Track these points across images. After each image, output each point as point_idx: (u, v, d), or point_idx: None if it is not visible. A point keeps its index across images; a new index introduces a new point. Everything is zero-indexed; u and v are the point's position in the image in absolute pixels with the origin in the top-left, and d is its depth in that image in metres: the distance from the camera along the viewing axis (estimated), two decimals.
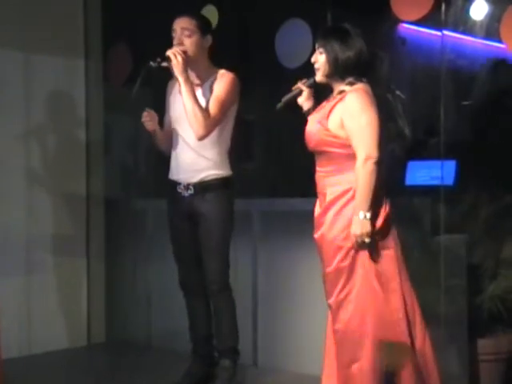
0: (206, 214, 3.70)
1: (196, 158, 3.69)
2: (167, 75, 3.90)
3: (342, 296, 3.08)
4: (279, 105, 3.30)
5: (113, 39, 5.23)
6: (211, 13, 4.52)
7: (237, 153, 3.77)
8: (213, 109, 3.61)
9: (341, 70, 3.09)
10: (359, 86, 3.06)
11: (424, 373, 3.04)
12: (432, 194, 3.83)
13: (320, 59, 3.13)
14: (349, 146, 3.02)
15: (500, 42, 3.67)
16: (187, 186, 3.73)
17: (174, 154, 3.80)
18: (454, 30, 3.92)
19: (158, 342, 4.92)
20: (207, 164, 3.70)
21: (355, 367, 3.04)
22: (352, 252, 3.02)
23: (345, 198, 3.03)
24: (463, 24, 3.92)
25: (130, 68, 5.20)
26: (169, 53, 3.54)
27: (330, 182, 3.08)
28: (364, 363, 3.01)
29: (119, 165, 5.48)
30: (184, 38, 3.64)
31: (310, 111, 3.25)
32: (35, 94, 4.92)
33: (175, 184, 3.77)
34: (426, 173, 3.94)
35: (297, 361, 4.25)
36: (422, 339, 3.05)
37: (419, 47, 4.12)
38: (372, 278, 3.01)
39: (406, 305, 3.02)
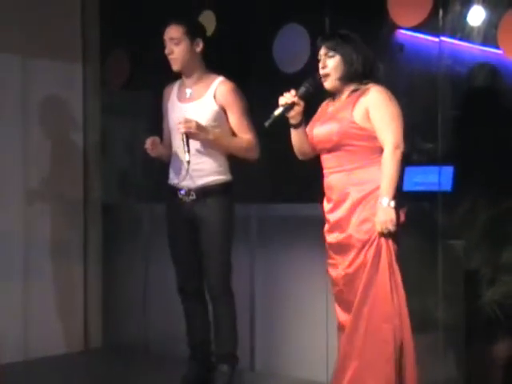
0: (207, 218, 3.70)
1: (197, 164, 3.69)
2: (163, 80, 3.92)
3: (368, 295, 3.02)
4: (269, 122, 3.13)
5: (110, 43, 5.24)
6: (209, 18, 4.53)
7: (234, 158, 3.77)
8: (245, 127, 3.69)
9: (355, 74, 3.10)
10: (374, 84, 3.10)
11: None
12: (429, 200, 3.84)
13: (330, 63, 3.13)
14: (374, 139, 3.04)
15: (497, 47, 3.68)
16: (189, 192, 3.72)
17: (173, 160, 3.80)
18: (452, 36, 3.92)
19: (155, 346, 4.91)
20: (208, 169, 3.70)
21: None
22: (374, 247, 2.99)
23: (375, 195, 3.02)
24: (461, 30, 3.93)
25: (127, 72, 5.21)
26: (182, 130, 3.55)
27: (354, 181, 3.07)
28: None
29: (116, 169, 5.48)
30: (173, 46, 3.69)
31: (300, 124, 3.20)
32: (33, 98, 4.91)
33: (175, 189, 3.77)
34: (423, 178, 3.94)
35: (294, 366, 4.25)
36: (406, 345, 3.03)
37: (417, 53, 4.12)
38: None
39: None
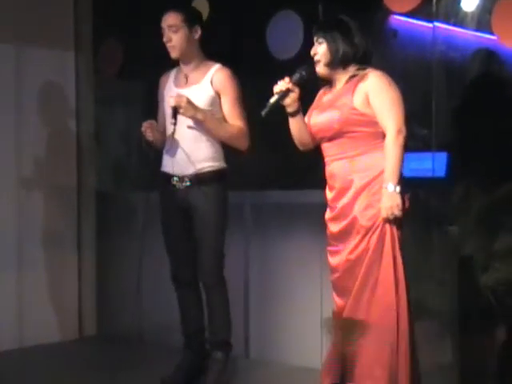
0: (201, 206, 3.69)
1: (191, 151, 3.68)
2: (156, 69, 3.91)
3: (369, 280, 3.02)
4: (265, 110, 3.10)
5: (103, 32, 5.22)
6: (202, 5, 4.51)
7: (227, 145, 3.76)
8: (237, 114, 3.68)
9: (342, 60, 3.10)
10: (373, 69, 3.09)
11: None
12: (423, 186, 3.84)
13: (320, 50, 3.14)
14: (376, 124, 3.03)
15: (491, 33, 3.67)
16: (182, 178, 3.71)
17: (167, 146, 3.79)
18: (446, 22, 3.91)
19: (150, 335, 4.91)
20: (202, 156, 3.69)
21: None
22: (378, 233, 2.99)
23: (379, 181, 3.01)
24: (455, 16, 3.92)
25: (120, 60, 5.20)
26: (172, 103, 3.56)
27: (357, 167, 3.06)
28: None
29: (110, 157, 5.47)
30: (171, 34, 3.67)
31: (297, 111, 3.19)
32: (25, 87, 4.90)
33: (169, 176, 3.76)
34: (417, 165, 3.94)
35: (288, 353, 4.26)
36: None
37: (410, 39, 4.11)
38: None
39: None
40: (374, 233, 3.01)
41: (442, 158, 3.89)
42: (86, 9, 5.23)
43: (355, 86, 3.08)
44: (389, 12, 3.95)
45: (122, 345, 4.87)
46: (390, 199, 2.96)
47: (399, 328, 3.00)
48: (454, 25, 3.93)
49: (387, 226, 3.00)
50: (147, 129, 3.72)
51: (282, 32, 4.26)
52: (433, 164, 3.86)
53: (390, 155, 2.99)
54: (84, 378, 4.15)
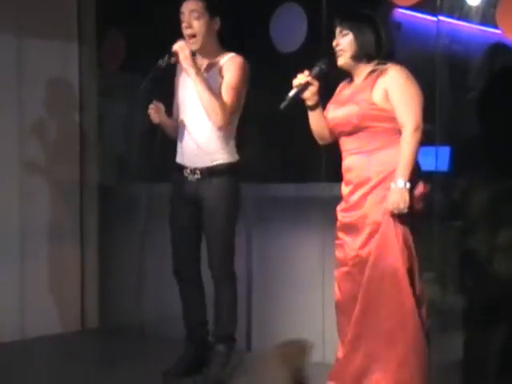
0: (211, 199, 3.66)
1: (203, 143, 3.66)
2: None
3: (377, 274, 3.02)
4: (284, 104, 3.07)
5: (107, 24, 5.21)
6: None
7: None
8: (228, 97, 3.58)
9: (367, 52, 3.10)
10: (392, 64, 3.08)
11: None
12: (426, 181, 3.83)
13: (344, 41, 3.12)
14: (394, 120, 3.03)
15: (496, 27, 3.66)
16: (194, 171, 3.69)
17: (180, 138, 3.76)
18: (450, 16, 3.90)
19: (152, 327, 4.91)
20: (214, 149, 3.67)
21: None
22: (387, 229, 2.99)
23: (393, 177, 3.00)
24: (459, 9, 3.91)
25: (123, 53, 5.19)
26: (175, 47, 3.51)
27: (375, 161, 3.06)
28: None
29: (113, 151, 5.47)
30: (192, 20, 3.59)
31: (317, 105, 3.18)
32: (29, 80, 4.89)
33: (182, 168, 3.73)
34: (420, 159, 3.93)
35: None
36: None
37: (414, 32, 4.10)
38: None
39: None
40: (385, 228, 3.00)
41: (445, 152, 3.88)
42: (90, 1, 5.21)
43: (375, 81, 3.07)
44: (393, 5, 3.94)
45: (125, 337, 4.86)
46: (398, 195, 2.95)
47: (408, 324, 3.00)
48: (458, 18, 3.91)
49: (397, 222, 2.99)
50: (152, 110, 3.70)
51: (286, 25, 4.25)
52: (436, 158, 3.85)
53: (404, 151, 2.98)
54: (86, 369, 4.16)
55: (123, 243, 5.10)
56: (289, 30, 4.21)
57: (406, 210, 2.96)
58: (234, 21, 4.43)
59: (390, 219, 2.99)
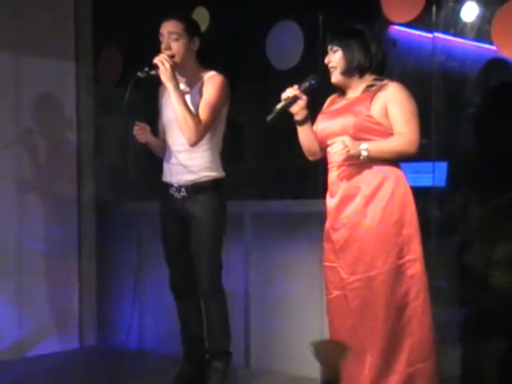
0: (197, 215, 3.68)
1: (188, 160, 3.69)
2: (156, 78, 3.90)
3: (407, 299, 3.08)
4: (271, 116, 3.07)
5: (103, 41, 5.23)
6: (202, 15, 4.52)
7: (227, 155, 3.76)
8: (203, 114, 3.58)
9: (357, 68, 3.10)
10: (390, 81, 3.10)
11: None
12: (423, 196, 3.84)
13: (335, 58, 3.14)
14: (388, 135, 3.03)
15: (491, 43, 3.68)
16: (179, 188, 3.72)
17: (166, 156, 3.80)
18: (445, 32, 3.93)
19: (150, 344, 4.90)
20: (199, 166, 3.69)
21: None
22: (406, 248, 3.02)
23: (387, 187, 3.02)
24: (454, 26, 3.93)
25: (120, 70, 5.20)
26: (156, 60, 3.52)
27: (365, 174, 3.05)
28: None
29: (110, 167, 5.47)
30: (171, 41, 3.62)
31: (305, 120, 3.17)
32: (25, 97, 4.90)
33: (168, 186, 3.77)
34: (417, 174, 3.95)
35: (289, 363, 4.25)
36: None
37: (410, 49, 4.13)
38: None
39: None
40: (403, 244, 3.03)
41: (442, 167, 3.89)
42: (86, 19, 5.23)
43: (374, 94, 3.07)
44: (388, 22, 3.96)
45: (122, 354, 4.84)
46: (354, 145, 2.95)
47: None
48: (454, 35, 3.94)
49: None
50: (138, 131, 3.74)
51: (282, 42, 4.27)
52: (433, 173, 3.86)
53: (393, 144, 3.00)
54: None
55: (121, 260, 5.09)
56: (285, 47, 4.23)
57: (343, 155, 2.98)
58: (231, 38, 4.47)
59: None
